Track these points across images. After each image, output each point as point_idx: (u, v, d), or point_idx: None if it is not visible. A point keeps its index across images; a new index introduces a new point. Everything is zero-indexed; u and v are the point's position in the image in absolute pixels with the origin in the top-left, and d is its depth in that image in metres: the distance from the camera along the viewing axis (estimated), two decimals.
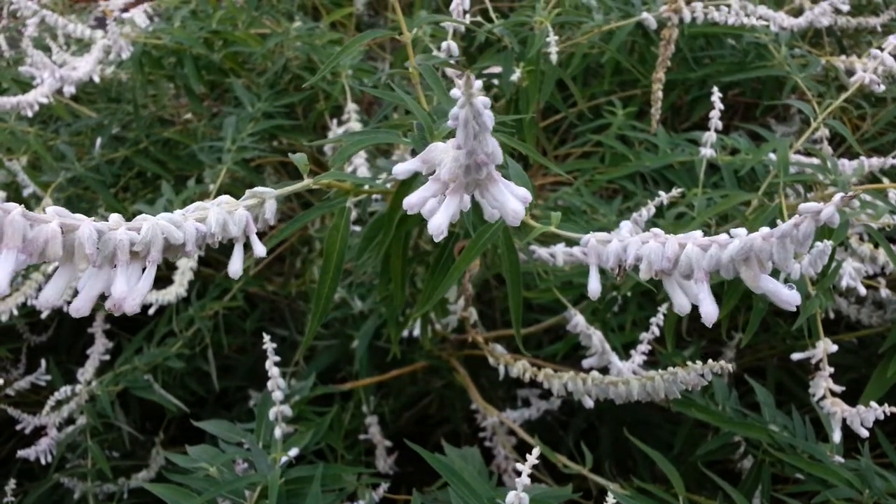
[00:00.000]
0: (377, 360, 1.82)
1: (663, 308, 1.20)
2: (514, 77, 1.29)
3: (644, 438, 1.27)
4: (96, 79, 1.70)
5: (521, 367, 1.15)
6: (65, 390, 1.78)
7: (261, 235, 0.69)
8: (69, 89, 1.66)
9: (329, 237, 0.79)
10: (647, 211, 1.23)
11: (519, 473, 1.72)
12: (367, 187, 0.85)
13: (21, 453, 1.73)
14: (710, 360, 1.00)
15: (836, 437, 1.12)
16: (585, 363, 1.24)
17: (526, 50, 1.29)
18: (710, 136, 1.40)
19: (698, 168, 1.48)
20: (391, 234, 0.83)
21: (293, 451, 1.14)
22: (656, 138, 1.63)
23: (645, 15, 1.46)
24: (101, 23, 2.59)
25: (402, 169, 0.66)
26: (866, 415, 1.09)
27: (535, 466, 0.94)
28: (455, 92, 0.51)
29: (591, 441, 1.84)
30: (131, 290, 0.56)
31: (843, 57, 1.83)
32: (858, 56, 1.86)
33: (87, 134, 2.02)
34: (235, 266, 0.65)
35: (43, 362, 1.89)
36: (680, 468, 1.21)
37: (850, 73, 1.79)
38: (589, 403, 1.10)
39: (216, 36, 1.86)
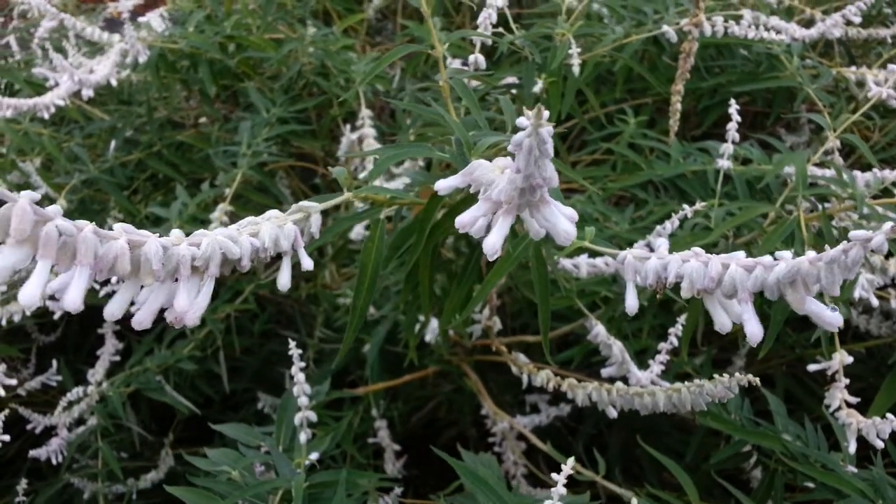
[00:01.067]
0: (388, 365, 1.83)
1: (682, 318, 1.22)
2: (537, 88, 1.30)
3: (652, 446, 1.28)
4: (114, 82, 1.71)
5: (544, 377, 1.16)
6: (77, 391, 1.79)
7: None
8: (87, 92, 1.67)
9: (365, 249, 0.80)
10: (671, 224, 1.25)
11: (527, 478, 1.74)
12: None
13: (33, 453, 1.74)
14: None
15: (852, 447, 1.13)
16: (604, 372, 1.25)
17: (547, 61, 1.31)
18: (728, 148, 1.42)
19: (711, 179, 1.49)
20: (421, 245, 0.84)
21: (314, 455, 1.15)
22: (669, 147, 1.64)
23: (665, 28, 1.47)
24: (109, 24, 2.60)
25: (445, 185, 0.67)
26: (882, 426, 1.11)
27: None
28: (522, 121, 0.52)
29: (598, 447, 1.85)
30: (192, 304, 0.57)
31: (854, 68, 1.85)
32: (868, 66, 1.88)
33: (99, 136, 2.03)
34: (284, 279, 0.66)
35: (54, 362, 1.90)
36: (690, 476, 1.23)
37: (861, 84, 1.82)
38: (613, 414, 1.11)
39: (230, 40, 1.87)
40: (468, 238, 1.01)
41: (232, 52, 1.89)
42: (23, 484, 1.69)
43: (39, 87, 2.06)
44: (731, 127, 1.41)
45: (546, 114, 0.50)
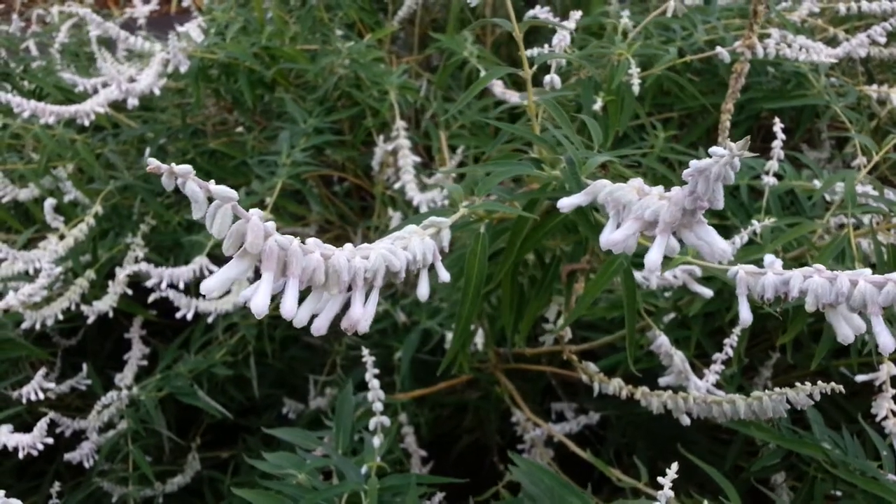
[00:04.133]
0: (418, 372, 1.86)
1: (737, 329, 1.25)
2: (596, 106, 1.34)
3: (682, 455, 1.30)
4: (157, 91, 1.73)
5: (616, 385, 1.19)
6: (111, 395, 1.80)
7: None
8: (133, 101, 1.69)
9: (468, 262, 0.83)
10: (739, 239, 1.28)
11: None
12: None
13: (67, 456, 1.76)
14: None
15: None
16: (662, 381, 1.28)
17: (605, 80, 1.35)
18: (773, 165, 1.46)
19: (745, 194, 1.53)
20: (512, 257, 0.88)
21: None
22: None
23: (720, 49, 1.52)
24: (125, 29, 2.62)
25: (568, 203, 0.71)
26: None
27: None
28: (717, 150, 0.56)
29: (625, 455, 1.88)
30: (364, 313, 0.61)
31: (875, 86, 1.90)
32: (889, 84, 1.93)
33: (131, 143, 2.05)
34: (424, 290, 0.69)
35: (84, 366, 1.92)
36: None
37: (882, 102, 1.87)
38: (686, 421, 1.14)
39: (266, 52, 1.90)
40: (539, 251, 1.04)
41: (267, 63, 1.91)
42: (56, 486, 1.70)
43: (68, 93, 2.08)
44: (777, 145, 1.44)
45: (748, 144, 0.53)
